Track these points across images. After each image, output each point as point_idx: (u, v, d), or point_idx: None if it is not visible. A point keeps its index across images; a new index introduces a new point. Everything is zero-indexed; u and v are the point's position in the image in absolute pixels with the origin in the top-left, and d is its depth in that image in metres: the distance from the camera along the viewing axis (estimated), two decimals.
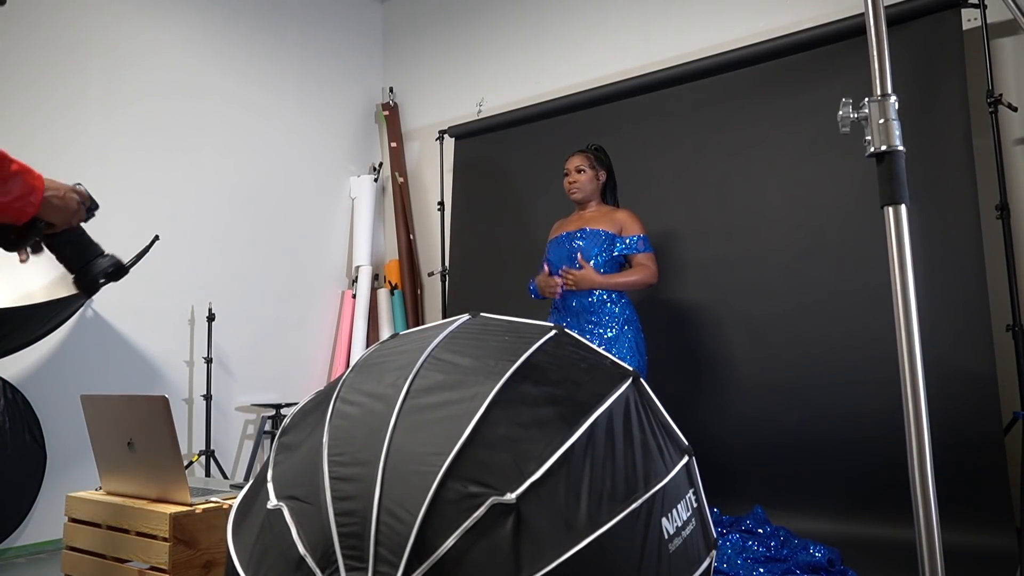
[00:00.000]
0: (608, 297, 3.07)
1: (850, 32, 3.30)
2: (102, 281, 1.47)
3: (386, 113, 5.16)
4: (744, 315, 3.47)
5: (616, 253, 3.10)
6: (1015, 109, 3.02)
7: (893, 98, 1.11)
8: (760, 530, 2.82)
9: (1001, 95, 3.00)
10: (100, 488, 2.25)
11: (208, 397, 3.99)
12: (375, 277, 4.97)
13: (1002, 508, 2.77)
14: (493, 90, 4.73)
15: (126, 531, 1.99)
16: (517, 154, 4.40)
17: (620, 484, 1.28)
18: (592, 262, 3.09)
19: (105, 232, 3.90)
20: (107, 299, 3.70)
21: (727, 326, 3.52)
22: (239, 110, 4.44)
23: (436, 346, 1.47)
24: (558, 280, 3.07)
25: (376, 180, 5.06)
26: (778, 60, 3.52)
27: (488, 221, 4.48)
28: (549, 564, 1.15)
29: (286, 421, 1.55)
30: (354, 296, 4.83)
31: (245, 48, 4.51)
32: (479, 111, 4.78)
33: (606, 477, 1.27)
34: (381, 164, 5.22)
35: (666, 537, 1.31)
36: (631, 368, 1.52)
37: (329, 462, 1.30)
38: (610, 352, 2.95)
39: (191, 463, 3.89)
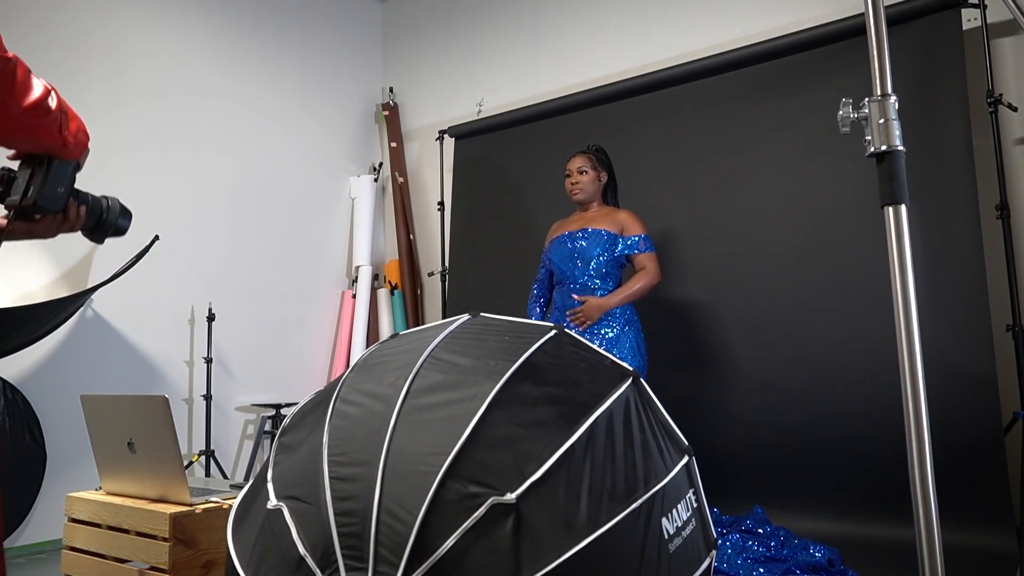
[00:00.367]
0: None
1: (850, 32, 3.30)
2: (123, 224, 1.39)
3: (386, 113, 5.16)
4: (744, 315, 3.47)
5: (618, 253, 3.10)
6: (1015, 109, 3.02)
7: (893, 98, 1.11)
8: (760, 530, 2.82)
9: (1001, 95, 3.00)
10: (100, 488, 2.25)
11: (208, 397, 3.99)
12: (375, 277, 4.97)
13: (1002, 508, 2.77)
14: (493, 90, 4.73)
15: (126, 531, 1.99)
16: (517, 154, 4.40)
17: (620, 484, 1.28)
18: (594, 262, 3.09)
19: None
20: (107, 299, 3.70)
21: (727, 326, 3.52)
22: (239, 110, 4.44)
23: (436, 346, 1.47)
24: (575, 321, 3.02)
25: (376, 180, 5.06)
26: (778, 60, 3.52)
27: (488, 221, 4.48)
28: (549, 564, 1.15)
29: (286, 421, 1.55)
30: (354, 296, 4.83)
31: (245, 48, 4.51)
32: (479, 111, 4.78)
33: (606, 477, 1.27)
34: (381, 164, 5.22)
35: (666, 537, 1.31)
36: (631, 368, 1.52)
37: (329, 462, 1.30)
38: (610, 352, 2.95)
39: (191, 463, 3.89)
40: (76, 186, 1.28)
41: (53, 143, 1.18)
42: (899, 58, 3.11)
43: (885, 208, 1.10)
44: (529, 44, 4.59)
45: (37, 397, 3.43)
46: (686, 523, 1.38)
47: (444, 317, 4.62)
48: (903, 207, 1.09)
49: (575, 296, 3.06)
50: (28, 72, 1.11)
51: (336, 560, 1.20)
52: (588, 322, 2.99)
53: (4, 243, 1.24)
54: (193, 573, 1.90)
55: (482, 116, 4.71)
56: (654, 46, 4.07)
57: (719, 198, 3.62)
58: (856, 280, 3.19)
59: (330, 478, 1.27)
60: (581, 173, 3.19)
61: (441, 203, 4.74)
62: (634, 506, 1.26)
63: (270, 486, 1.37)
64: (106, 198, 1.37)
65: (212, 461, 3.90)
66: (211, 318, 4.03)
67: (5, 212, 1.25)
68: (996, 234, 2.97)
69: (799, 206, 3.40)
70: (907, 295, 1.08)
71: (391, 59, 5.35)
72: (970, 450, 2.82)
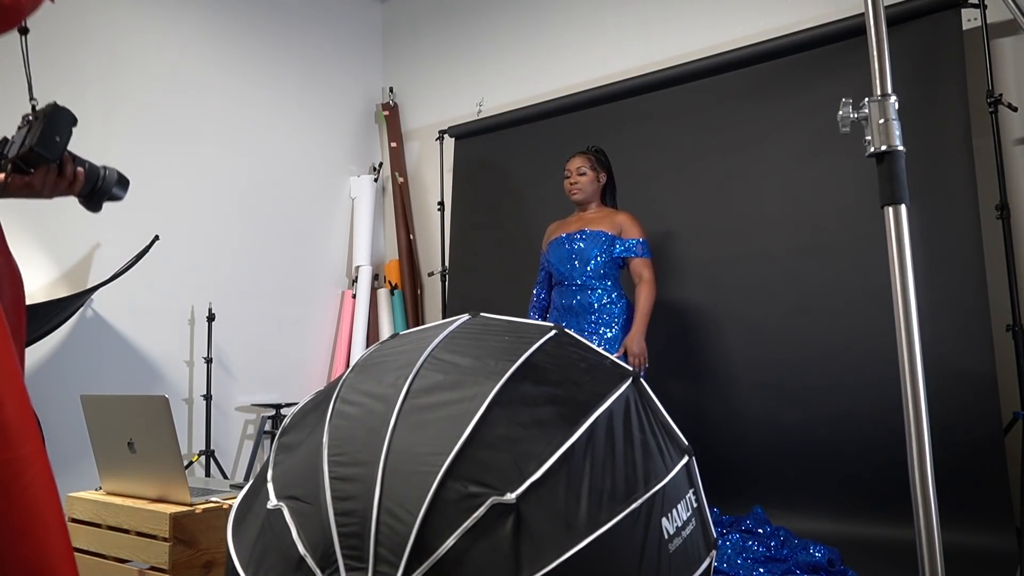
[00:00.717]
0: (608, 298, 3.07)
1: (850, 32, 3.30)
2: (119, 192, 1.39)
3: (386, 113, 5.16)
4: (744, 315, 3.47)
5: (615, 255, 3.10)
6: (1015, 109, 3.02)
7: (893, 98, 1.11)
8: (760, 530, 2.82)
9: (1001, 95, 3.00)
10: (100, 488, 2.25)
11: (208, 397, 3.99)
12: (375, 277, 4.97)
13: (1002, 508, 2.77)
14: (493, 90, 4.73)
15: (126, 531, 1.99)
16: (517, 154, 4.40)
17: (620, 484, 1.28)
18: (592, 263, 3.09)
19: (105, 232, 3.91)
20: (107, 299, 3.70)
21: (727, 326, 3.52)
22: (239, 110, 4.44)
23: (436, 346, 1.47)
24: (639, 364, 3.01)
25: (376, 180, 5.06)
26: (778, 60, 3.52)
27: (488, 221, 4.48)
28: (549, 564, 1.15)
29: (286, 421, 1.55)
30: (354, 296, 4.83)
31: (245, 48, 4.51)
32: (479, 111, 4.78)
33: (606, 477, 1.27)
34: (381, 164, 5.22)
35: (666, 537, 1.31)
36: (631, 368, 1.52)
37: (329, 462, 1.30)
38: (610, 352, 2.95)
39: (191, 463, 3.89)
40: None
41: None
42: (899, 58, 3.11)
43: (885, 208, 1.10)
44: (529, 44, 4.59)
45: (37, 397, 3.41)
46: (686, 523, 1.38)
47: (444, 317, 4.62)
48: (903, 207, 1.09)
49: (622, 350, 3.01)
50: None
51: (336, 560, 1.20)
52: (643, 357, 2.98)
53: (4, 200, 1.23)
54: (193, 573, 1.90)
55: (482, 116, 4.71)
56: (654, 46, 4.07)
57: (719, 198, 3.62)
58: (856, 280, 3.19)
59: (330, 478, 1.27)
60: (580, 174, 3.20)
61: (441, 203, 4.74)
62: (634, 506, 1.26)
63: (270, 486, 1.37)
64: (105, 167, 1.37)
65: (212, 461, 3.90)
66: (211, 318, 4.03)
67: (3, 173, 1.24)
68: (996, 234, 2.97)
69: (799, 206, 3.40)
70: (907, 295, 1.08)
71: (391, 59, 5.35)
72: (970, 450, 2.82)
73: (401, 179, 5.03)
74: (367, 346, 4.69)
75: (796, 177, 3.43)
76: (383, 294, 4.92)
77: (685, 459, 1.46)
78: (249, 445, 4.33)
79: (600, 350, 1.58)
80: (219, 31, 4.38)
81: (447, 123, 4.82)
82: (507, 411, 1.29)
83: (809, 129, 3.38)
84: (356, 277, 4.88)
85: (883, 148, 1.10)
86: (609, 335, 3.01)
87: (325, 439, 1.34)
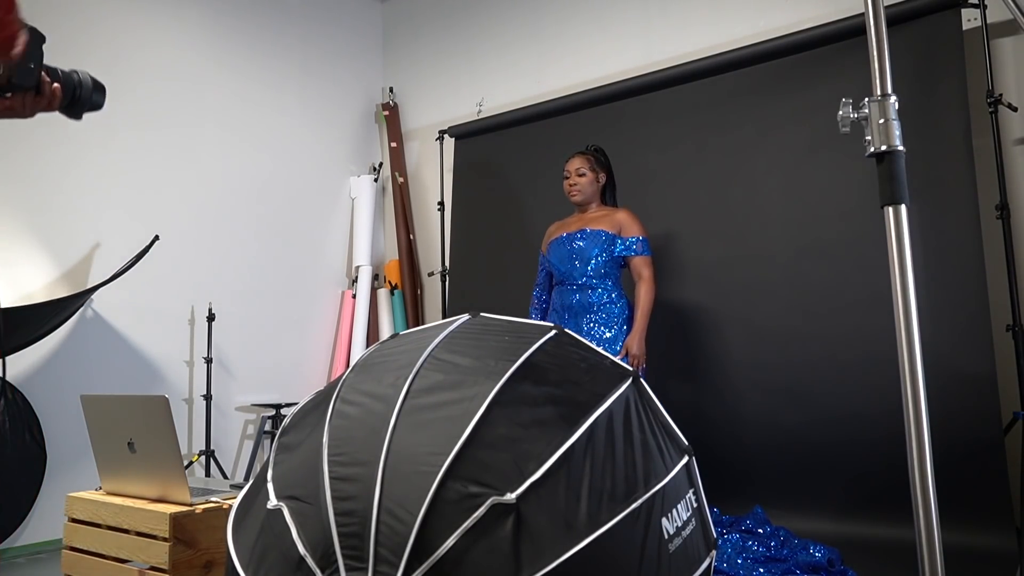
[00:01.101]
0: (608, 297, 3.07)
1: (850, 32, 3.30)
2: (98, 99, 1.36)
3: (386, 113, 5.16)
4: (744, 315, 3.47)
5: (616, 254, 3.10)
6: (1015, 109, 3.02)
7: (893, 98, 1.11)
8: (760, 530, 2.82)
9: (1001, 95, 3.00)
10: (100, 488, 2.25)
11: (208, 397, 3.99)
12: (375, 277, 4.97)
13: (1002, 508, 2.77)
14: (493, 90, 4.73)
15: (126, 531, 1.99)
16: (517, 154, 4.40)
17: (620, 484, 1.28)
18: (592, 262, 3.09)
19: (105, 232, 3.91)
20: (107, 299, 3.70)
21: (727, 326, 3.52)
22: (239, 110, 4.44)
23: (436, 346, 1.47)
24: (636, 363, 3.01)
25: (376, 180, 5.06)
26: (778, 60, 3.52)
27: (488, 221, 4.48)
28: (549, 564, 1.15)
29: (286, 421, 1.55)
30: (354, 296, 4.83)
31: (245, 48, 4.51)
32: (479, 111, 4.78)
33: (606, 477, 1.27)
34: (381, 164, 5.22)
35: (666, 537, 1.31)
36: (631, 368, 1.52)
37: (329, 462, 1.30)
38: (610, 352, 2.95)
39: (191, 463, 3.89)
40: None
41: None
42: (899, 58, 3.12)
43: (885, 208, 1.10)
44: (529, 44, 4.59)
45: (37, 397, 3.43)
46: (686, 523, 1.38)
47: (444, 317, 4.62)
48: (903, 207, 1.09)
49: (621, 354, 3.01)
50: None
51: (336, 560, 1.20)
52: (643, 358, 2.97)
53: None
54: (193, 573, 1.90)
55: (482, 116, 4.71)
56: (654, 46, 4.07)
57: (719, 198, 3.62)
58: (856, 280, 3.19)
59: (330, 478, 1.27)
60: (580, 174, 3.19)
61: (441, 203, 4.74)
62: (634, 506, 1.26)
63: (270, 486, 1.37)
64: (76, 72, 1.35)
65: (212, 461, 3.90)
66: (211, 318, 4.03)
67: None
68: (996, 234, 2.97)
69: (799, 206, 3.40)
70: (907, 295, 1.08)
71: (391, 59, 5.35)
72: (970, 450, 2.82)
73: (401, 179, 5.03)
74: (367, 346, 4.69)
75: (796, 177, 3.43)
76: (383, 294, 4.92)
77: (685, 459, 1.46)
78: (249, 445, 4.33)
79: (600, 350, 1.58)
80: (219, 31, 4.38)
81: (447, 123, 4.82)
82: (507, 411, 1.29)
83: (809, 129, 3.38)
84: (356, 277, 4.88)
85: (883, 148, 1.10)
86: (609, 335, 3.00)
87: (325, 439, 1.34)
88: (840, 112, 1.14)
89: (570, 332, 1.60)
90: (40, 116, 1.34)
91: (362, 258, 4.88)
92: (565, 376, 1.42)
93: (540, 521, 1.18)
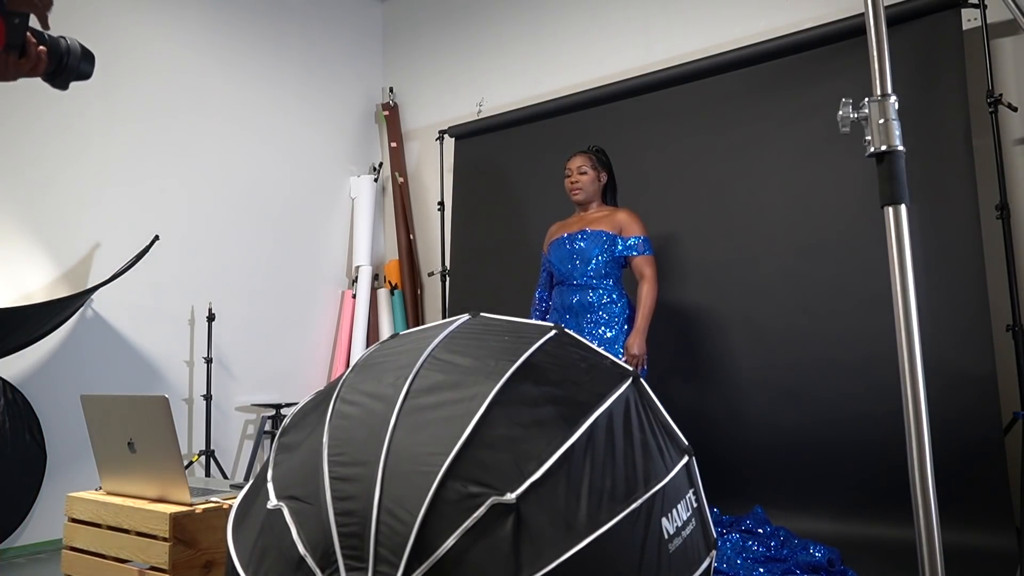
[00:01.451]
0: (609, 297, 3.07)
1: (850, 32, 3.30)
2: (86, 68, 1.31)
3: (386, 113, 5.16)
4: (744, 315, 3.47)
5: (617, 254, 3.10)
6: (1015, 109, 3.02)
7: (893, 98, 1.11)
8: (760, 530, 2.82)
9: (1001, 95, 3.00)
10: (100, 488, 2.25)
11: (208, 397, 3.99)
12: (375, 277, 4.97)
13: (1002, 508, 2.77)
14: (493, 90, 4.73)
15: (126, 531, 1.99)
16: (517, 154, 4.40)
17: (620, 484, 1.28)
18: (593, 263, 3.09)
19: (105, 232, 3.91)
20: (107, 299, 3.70)
21: (727, 326, 3.52)
22: (239, 110, 4.44)
23: (436, 346, 1.47)
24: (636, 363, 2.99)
25: (376, 180, 5.06)
26: (778, 60, 3.52)
27: (488, 221, 4.48)
28: (549, 564, 1.15)
29: (286, 421, 1.55)
30: (354, 296, 4.83)
31: (246, 48, 4.51)
32: (479, 111, 4.78)
33: (606, 477, 1.27)
34: (381, 164, 5.22)
35: (666, 537, 1.31)
36: (631, 368, 1.52)
37: (329, 462, 1.30)
38: (610, 352, 2.95)
39: (191, 463, 3.89)
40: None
41: None
42: (899, 58, 3.12)
43: (885, 208, 1.10)
44: (529, 44, 4.59)
45: (37, 397, 3.43)
46: (686, 523, 1.38)
47: (444, 317, 4.62)
48: (903, 207, 1.09)
49: (623, 355, 2.99)
50: None
51: (336, 560, 1.20)
52: (643, 357, 2.96)
53: None
54: (193, 573, 1.90)
55: (482, 116, 4.71)
56: (654, 46, 4.07)
57: (719, 198, 3.62)
58: (856, 280, 3.19)
59: (330, 478, 1.27)
60: (581, 173, 3.19)
61: (441, 203, 4.74)
62: (634, 506, 1.26)
63: (270, 486, 1.37)
64: (64, 38, 1.30)
65: (212, 461, 3.90)
66: (211, 318, 4.03)
67: None
68: (996, 234, 2.97)
69: (799, 206, 3.40)
70: (907, 295, 1.08)
71: (391, 59, 5.35)
72: (970, 450, 2.82)
73: (401, 179, 5.03)
74: (367, 346, 4.69)
75: (796, 177, 3.43)
76: (383, 294, 4.92)
77: (685, 459, 1.46)
78: (249, 445, 4.33)
79: (600, 350, 1.58)
80: (219, 31, 4.38)
81: (447, 123, 4.82)
82: (507, 411, 1.29)
83: (809, 129, 3.38)
84: (356, 277, 4.88)
85: (883, 148, 1.10)
86: (609, 335, 3.00)
87: (325, 439, 1.34)
88: (840, 112, 1.14)
89: (570, 332, 1.60)
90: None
91: (362, 258, 4.88)
92: (565, 376, 1.42)
93: (540, 521, 1.18)
